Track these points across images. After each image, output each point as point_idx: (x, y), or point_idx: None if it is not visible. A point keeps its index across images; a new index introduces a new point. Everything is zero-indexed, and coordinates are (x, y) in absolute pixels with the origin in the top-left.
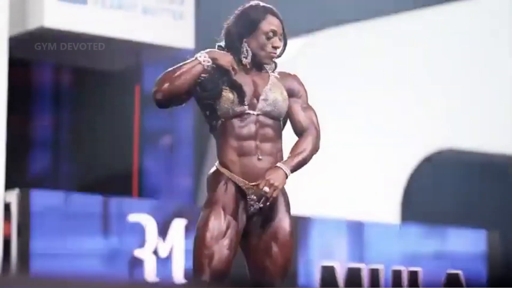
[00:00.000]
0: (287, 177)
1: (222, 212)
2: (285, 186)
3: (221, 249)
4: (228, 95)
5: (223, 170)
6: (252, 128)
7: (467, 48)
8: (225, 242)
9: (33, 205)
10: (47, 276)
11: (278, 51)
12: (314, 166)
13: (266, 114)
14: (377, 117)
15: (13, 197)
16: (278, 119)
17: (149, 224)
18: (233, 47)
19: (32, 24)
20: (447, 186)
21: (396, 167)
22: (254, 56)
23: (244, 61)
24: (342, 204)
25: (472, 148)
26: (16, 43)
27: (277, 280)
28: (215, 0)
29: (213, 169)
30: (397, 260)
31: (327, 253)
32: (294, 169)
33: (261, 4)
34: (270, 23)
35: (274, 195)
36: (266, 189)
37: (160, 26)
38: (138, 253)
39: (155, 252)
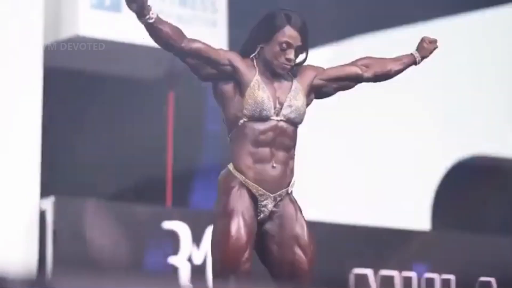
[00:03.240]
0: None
1: (241, 221)
2: (313, 191)
3: (244, 261)
4: (260, 94)
5: (237, 174)
6: (270, 134)
7: (496, 54)
8: (247, 253)
9: (69, 213)
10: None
11: (299, 58)
12: (345, 172)
13: (288, 120)
14: (409, 122)
15: (48, 204)
16: (297, 126)
17: (183, 231)
18: (248, 49)
19: (67, 33)
20: (477, 193)
21: (427, 173)
22: (268, 63)
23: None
24: (372, 211)
25: (503, 155)
26: (51, 52)
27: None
28: (248, 8)
29: (225, 171)
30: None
31: (359, 261)
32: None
33: (285, 12)
34: (286, 35)
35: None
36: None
37: (193, 34)
38: (172, 260)
39: (190, 260)
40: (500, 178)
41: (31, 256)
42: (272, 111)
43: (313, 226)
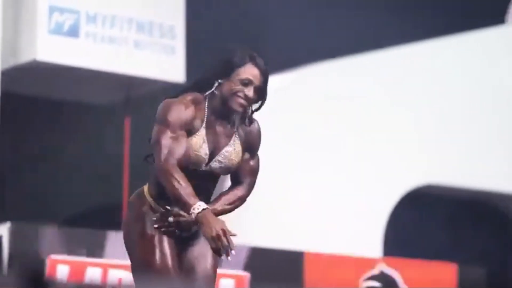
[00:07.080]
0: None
1: (165, 245)
2: (267, 218)
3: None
4: (198, 152)
5: (148, 198)
6: (192, 181)
7: (447, 85)
8: (176, 267)
9: (25, 239)
10: None
11: (255, 105)
12: (298, 200)
13: (213, 171)
14: (359, 153)
15: (4, 230)
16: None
17: None
18: (204, 85)
19: (25, 58)
20: (427, 222)
21: (378, 202)
22: (224, 101)
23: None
24: (325, 239)
25: (453, 184)
26: (8, 77)
27: None
28: (206, 35)
29: (139, 192)
30: None
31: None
32: (217, 215)
33: (247, 51)
34: (248, 72)
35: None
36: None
37: (151, 60)
38: None
39: None
40: (450, 207)
41: None
42: (203, 166)
43: (264, 253)
